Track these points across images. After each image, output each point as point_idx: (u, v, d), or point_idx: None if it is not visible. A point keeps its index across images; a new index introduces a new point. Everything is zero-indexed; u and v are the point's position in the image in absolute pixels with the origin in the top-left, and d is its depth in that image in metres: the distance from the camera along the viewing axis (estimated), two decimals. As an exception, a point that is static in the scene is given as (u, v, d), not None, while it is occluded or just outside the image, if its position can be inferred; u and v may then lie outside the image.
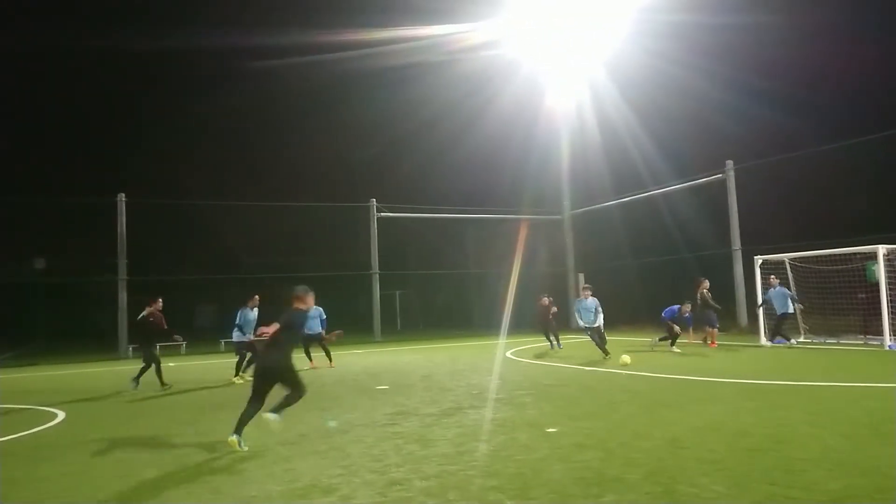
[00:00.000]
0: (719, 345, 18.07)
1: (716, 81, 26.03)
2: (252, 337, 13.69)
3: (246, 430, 7.28)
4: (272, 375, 7.62)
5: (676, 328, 17.29)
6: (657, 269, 26.91)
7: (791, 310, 17.58)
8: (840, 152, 21.20)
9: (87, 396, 12.77)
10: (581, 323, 15.65)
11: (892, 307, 16.03)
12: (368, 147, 35.52)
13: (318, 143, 36.57)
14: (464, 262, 34.67)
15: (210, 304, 36.36)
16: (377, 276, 28.95)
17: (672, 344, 17.11)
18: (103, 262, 26.07)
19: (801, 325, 18.68)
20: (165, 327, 13.44)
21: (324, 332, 16.28)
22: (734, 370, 12.67)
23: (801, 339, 18.09)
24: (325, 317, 16.75)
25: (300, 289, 8.04)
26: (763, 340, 18.17)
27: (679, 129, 28.10)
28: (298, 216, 32.02)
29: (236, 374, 14.14)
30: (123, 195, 25.52)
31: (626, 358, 14.01)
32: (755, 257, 19.25)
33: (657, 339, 18.13)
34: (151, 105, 36.30)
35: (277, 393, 7.58)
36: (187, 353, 23.89)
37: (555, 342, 18.74)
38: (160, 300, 13.53)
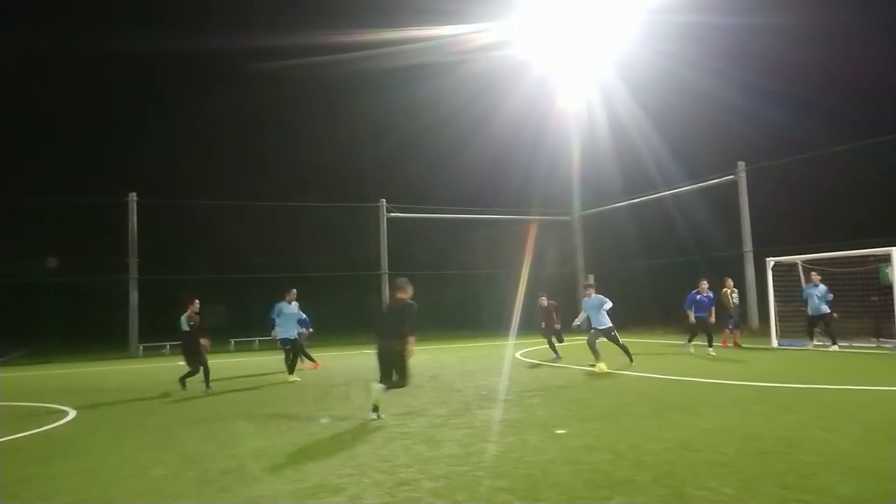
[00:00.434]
0: (731, 347, 18.00)
1: (727, 82, 25.92)
2: (306, 331, 13.57)
3: (253, 430, 7.30)
4: (390, 359, 8.92)
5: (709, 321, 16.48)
6: (667, 270, 26.81)
7: (827, 310, 16.68)
8: (852, 153, 21.06)
9: (98, 395, 12.85)
10: (578, 323, 14.82)
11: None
12: (378, 147, 35.57)
13: (327, 143, 36.67)
14: (473, 263, 34.66)
15: (219, 304, 36.50)
16: (386, 276, 28.97)
17: (709, 345, 16.31)
18: (114, 262, 26.21)
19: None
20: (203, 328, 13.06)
21: (307, 332, 16.21)
22: (745, 373, 12.60)
23: (814, 343, 17.96)
24: (303, 317, 16.23)
25: (401, 281, 9.18)
26: (774, 342, 18.06)
27: (690, 130, 28.01)
28: (308, 216, 32.12)
29: (290, 372, 13.57)
30: (135, 195, 25.69)
31: (602, 366, 13.10)
32: (767, 259, 19.13)
33: (688, 341, 17.05)
34: (162, 106, 36.50)
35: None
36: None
37: (556, 352, 16.43)
38: (197, 301, 12.95)
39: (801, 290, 17.63)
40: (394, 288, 9.26)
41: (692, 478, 5.48)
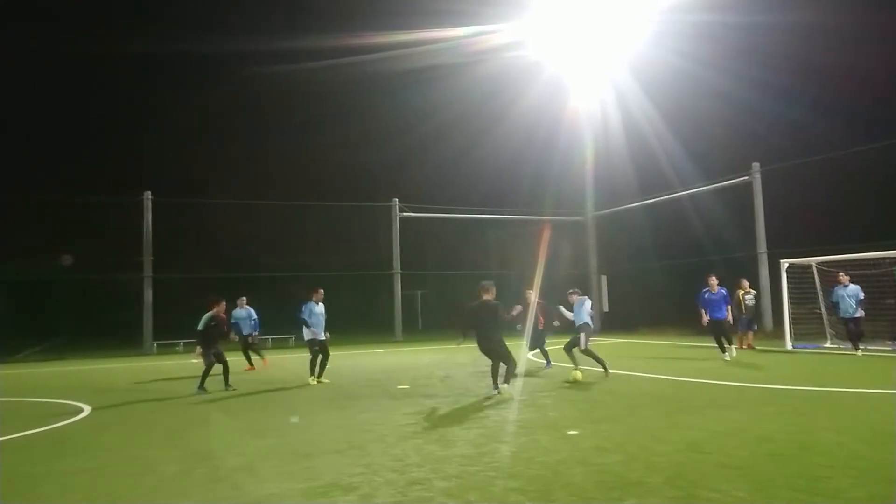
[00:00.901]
0: (745, 349, 17.90)
1: (742, 82, 25.77)
2: (326, 335, 13.12)
3: (264, 428, 7.33)
4: (494, 352, 10.55)
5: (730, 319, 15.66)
6: (681, 271, 26.66)
7: (860, 314, 15.62)
8: (869, 154, 20.85)
9: (112, 391, 12.96)
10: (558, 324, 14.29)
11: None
12: (391, 148, 35.64)
13: (340, 143, 36.80)
14: (485, 263, 34.65)
15: (232, 303, 36.66)
16: (399, 275, 29.03)
17: (726, 345, 15.39)
18: (129, 260, 26.41)
19: (828, 330, 18.41)
20: (226, 329, 13.09)
21: (255, 333, 16.61)
22: (757, 375, 12.53)
23: (828, 345, 17.83)
24: (255, 318, 16.62)
25: (487, 283, 10.71)
26: (789, 345, 17.94)
27: (705, 131, 27.85)
28: (320, 216, 32.22)
29: (311, 375, 13.08)
30: (150, 193, 25.89)
31: (577, 374, 12.05)
32: (781, 261, 19.00)
33: (722, 350, 15.48)
34: (177, 107, 36.70)
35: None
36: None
37: (547, 358, 14.72)
38: (224, 302, 12.99)
39: (832, 293, 16.48)
40: (481, 289, 10.67)
41: (704, 480, 5.47)
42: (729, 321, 15.86)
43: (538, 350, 14.82)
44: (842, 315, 15.88)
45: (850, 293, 15.67)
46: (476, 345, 10.68)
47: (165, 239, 26.46)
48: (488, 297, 10.58)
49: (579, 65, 30.36)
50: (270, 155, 38.50)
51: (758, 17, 24.99)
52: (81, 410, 10.33)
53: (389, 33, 29.69)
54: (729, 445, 6.63)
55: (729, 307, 15.79)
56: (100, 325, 29.93)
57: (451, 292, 36.39)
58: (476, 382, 12.47)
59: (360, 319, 29.93)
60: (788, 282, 18.55)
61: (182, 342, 25.11)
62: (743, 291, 18.57)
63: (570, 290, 13.48)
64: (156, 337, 25.28)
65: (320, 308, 13.25)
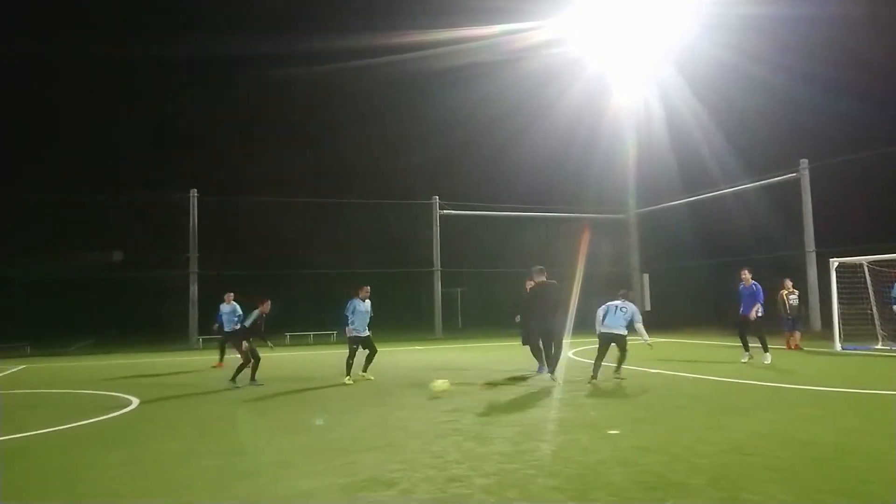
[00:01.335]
0: (792, 350, 17.50)
1: (790, 75, 25.17)
2: (368, 332, 12.89)
3: (304, 424, 7.39)
4: (550, 335, 11.19)
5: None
6: (726, 270, 26.16)
7: None
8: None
9: (159, 385, 13.26)
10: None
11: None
12: (431, 145, 35.73)
13: (381, 141, 37.01)
14: (525, 261, 34.50)
15: (274, 297, 37.24)
16: (439, 273, 29.11)
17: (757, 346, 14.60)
18: (175, 257, 27.00)
19: (879, 331, 17.88)
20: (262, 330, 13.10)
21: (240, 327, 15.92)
22: (803, 376, 12.23)
23: (879, 346, 17.32)
24: (240, 314, 16.26)
25: (538, 267, 11.32)
26: (837, 346, 17.47)
27: (751, 126, 27.29)
28: (362, 214, 32.48)
29: (347, 374, 12.68)
30: (195, 191, 26.44)
31: (440, 384, 10.81)
32: (831, 260, 18.49)
33: (764, 351, 14.51)
34: (223, 107, 37.38)
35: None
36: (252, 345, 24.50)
37: (546, 365, 12.38)
38: (269, 302, 13.09)
39: (893, 288, 15.87)
40: (535, 273, 11.24)
41: (747, 482, 5.36)
42: (751, 318, 14.60)
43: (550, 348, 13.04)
44: None
45: None
46: (534, 328, 11.14)
47: (211, 236, 27.00)
48: (543, 278, 11.07)
49: (622, 60, 30.01)
50: (313, 154, 38.91)
51: (807, 8, 24.35)
52: (129, 403, 10.61)
53: (429, 31, 29.78)
54: (771, 448, 6.49)
55: (758, 305, 14.61)
56: (147, 319, 30.66)
57: (490, 290, 36.35)
58: (515, 381, 12.44)
59: (400, 317, 30.09)
60: (838, 281, 18.05)
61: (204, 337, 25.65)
62: (786, 291, 18.14)
63: (621, 291, 12.45)
64: (201, 332, 25.82)
65: (365, 306, 13.03)
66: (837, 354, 16.70)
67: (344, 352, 13.23)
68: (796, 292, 18.61)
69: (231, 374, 12.61)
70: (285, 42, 32.62)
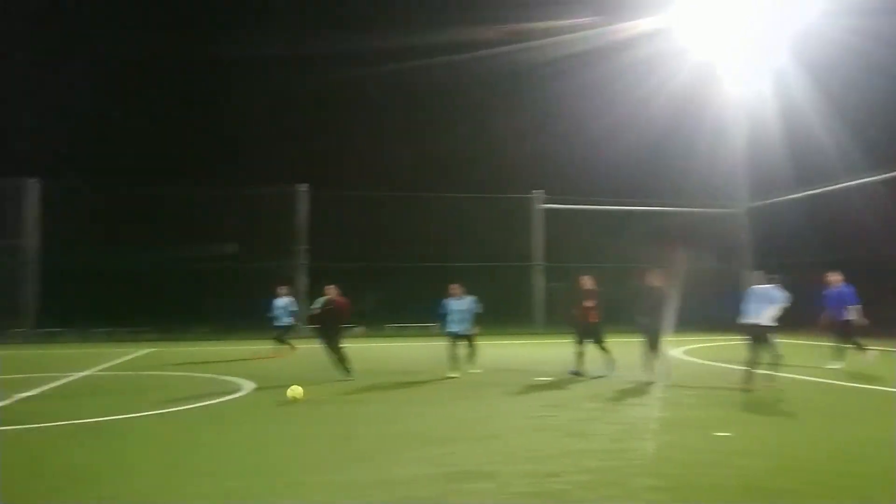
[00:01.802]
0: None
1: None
2: (467, 328, 12.61)
3: (405, 413, 7.53)
4: (659, 333, 11.58)
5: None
6: (846, 269, 24.61)
7: None
8: None
9: (270, 371, 13.85)
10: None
11: None
12: (531, 138, 35.45)
13: (480, 134, 37.04)
14: (628, 256, 33.70)
15: (374, 291, 38.19)
16: (540, 267, 28.92)
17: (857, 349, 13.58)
18: (285, 248, 28.11)
19: None
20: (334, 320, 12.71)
21: (293, 322, 16.88)
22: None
23: None
24: (294, 309, 16.82)
25: (655, 269, 11.93)
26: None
27: (878, 115, 25.42)
28: (462, 207, 32.64)
29: (450, 369, 12.49)
30: (306, 185, 27.49)
31: (294, 390, 9.68)
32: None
33: (860, 350, 13.64)
34: (330, 103, 38.50)
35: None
36: (357, 335, 25.28)
37: (607, 364, 12.68)
38: (332, 288, 12.81)
39: None
40: (649, 274, 11.96)
41: (861, 491, 5.05)
42: (841, 319, 13.70)
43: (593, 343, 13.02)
44: None
45: None
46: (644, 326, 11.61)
47: (319, 229, 27.98)
48: (658, 282, 11.74)
49: (733, 48, 28.69)
50: (414, 147, 39.48)
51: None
52: (244, 387, 11.17)
53: (530, 23, 29.53)
54: (888, 456, 6.08)
55: (851, 307, 13.70)
56: (259, 308, 32.05)
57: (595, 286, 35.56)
58: (617, 378, 12.20)
59: (501, 311, 30.05)
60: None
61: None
62: None
63: (769, 276, 11.12)
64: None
65: (461, 303, 12.80)
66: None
67: (443, 345, 13.27)
68: None
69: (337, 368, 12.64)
70: (389, 38, 33.21)
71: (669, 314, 11.57)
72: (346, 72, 36.45)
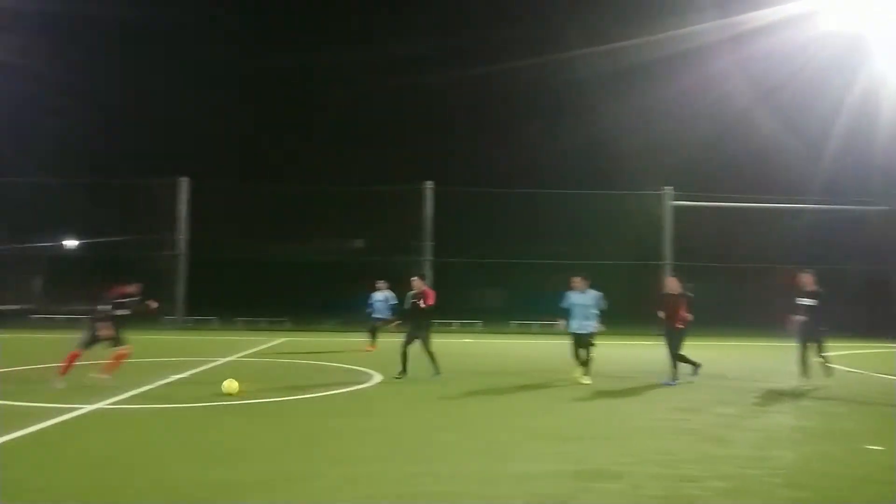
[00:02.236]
0: None
1: None
2: (590, 326, 11.40)
3: (533, 409, 7.49)
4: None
5: None
6: None
7: None
8: None
9: (397, 363, 14.19)
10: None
11: None
12: (661, 131, 34.31)
13: (608, 129, 36.26)
14: (768, 256, 31.82)
15: (496, 287, 38.37)
16: (670, 266, 27.90)
17: None
18: (411, 244, 28.72)
19: None
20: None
21: (391, 317, 16.34)
22: None
23: None
24: (393, 303, 16.47)
25: (805, 272, 11.27)
26: None
27: None
28: (588, 203, 32.06)
29: (577, 370, 11.51)
30: (430, 183, 27.96)
31: (229, 384, 9.25)
32: None
33: None
34: (454, 103, 39.12)
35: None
36: (481, 332, 25.56)
37: (690, 368, 11.77)
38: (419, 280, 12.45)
39: None
40: (801, 279, 11.24)
41: None
42: None
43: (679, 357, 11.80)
44: None
45: None
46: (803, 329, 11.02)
47: (444, 225, 28.40)
48: (811, 285, 11.10)
49: (884, 26, 26.25)
50: (541, 144, 39.25)
51: None
52: (374, 377, 11.52)
53: (665, 17, 28.57)
54: None
55: None
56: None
57: (726, 286, 34.08)
58: (755, 383, 11.59)
59: (624, 310, 29.23)
60: None
61: (454, 322, 26.98)
62: None
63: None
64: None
65: (585, 297, 11.47)
66: None
67: (567, 344, 12.05)
68: None
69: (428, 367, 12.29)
70: (512, 37, 33.25)
71: (825, 318, 10.93)
72: (475, 70, 36.79)
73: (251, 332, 25.02)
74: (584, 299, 11.44)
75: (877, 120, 27.68)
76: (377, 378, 11.45)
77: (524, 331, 27.04)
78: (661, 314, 11.86)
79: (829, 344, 11.37)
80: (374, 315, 17.21)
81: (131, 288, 10.43)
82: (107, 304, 10.05)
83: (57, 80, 33.56)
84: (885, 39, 26.63)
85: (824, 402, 9.52)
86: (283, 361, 14.49)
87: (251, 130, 40.05)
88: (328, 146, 40.05)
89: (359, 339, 17.63)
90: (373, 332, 17.02)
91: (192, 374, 11.55)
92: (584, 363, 11.42)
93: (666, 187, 28.25)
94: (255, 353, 16.31)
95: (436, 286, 27.16)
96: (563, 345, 14.43)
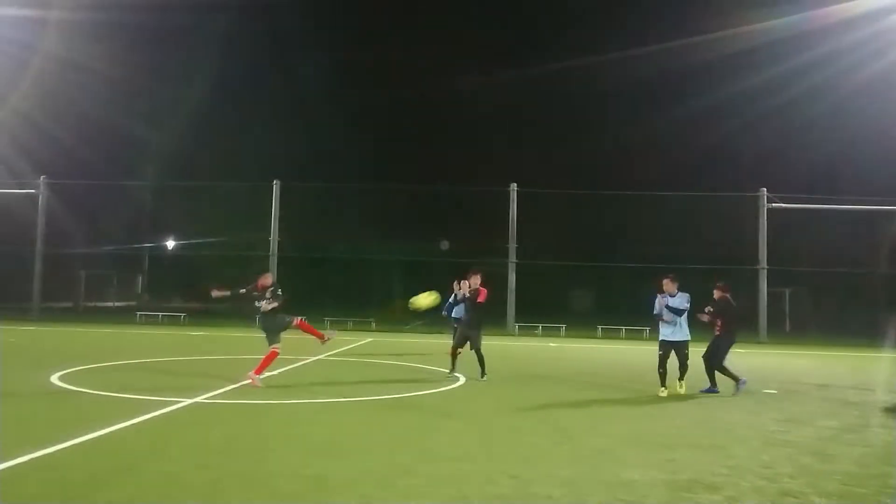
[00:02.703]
0: None
1: None
2: (680, 334, 10.50)
3: (627, 413, 7.34)
4: None
5: None
6: None
7: None
8: None
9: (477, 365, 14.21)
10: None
11: None
12: (758, 134, 33.04)
13: (700, 130, 35.23)
14: (872, 261, 30.10)
15: (585, 290, 37.87)
16: (765, 271, 26.83)
17: None
18: (496, 246, 28.74)
19: None
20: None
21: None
22: None
23: None
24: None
25: None
26: None
27: None
28: (681, 206, 31.23)
29: (661, 385, 10.47)
30: (516, 185, 27.87)
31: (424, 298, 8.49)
32: None
33: None
34: (540, 108, 38.98)
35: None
36: (566, 335, 25.26)
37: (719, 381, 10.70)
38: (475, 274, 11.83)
39: None
40: None
41: None
42: None
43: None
44: None
45: None
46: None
47: (529, 227, 28.28)
48: None
49: None
50: (631, 145, 38.56)
51: None
52: (460, 379, 11.56)
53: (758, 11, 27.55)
54: None
55: None
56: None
57: (826, 292, 32.46)
58: (860, 395, 10.97)
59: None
60: None
61: (540, 325, 26.73)
62: None
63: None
64: (517, 319, 27.16)
65: (676, 301, 10.41)
66: None
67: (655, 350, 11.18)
68: None
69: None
70: (601, 40, 32.82)
71: None
72: (566, 73, 36.55)
73: (338, 332, 25.57)
74: (673, 303, 10.45)
75: None
76: (462, 380, 11.49)
77: (612, 336, 26.55)
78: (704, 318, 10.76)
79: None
80: (453, 317, 17.22)
81: (267, 280, 10.57)
82: (262, 298, 10.23)
83: (159, 90, 35.64)
84: None
85: (939, 418, 8.92)
86: (371, 361, 14.77)
87: (340, 136, 41.26)
88: (417, 147, 40.71)
89: (443, 342, 17.72)
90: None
91: (281, 372, 11.92)
92: (682, 371, 10.58)
93: (761, 189, 27.17)
94: (342, 352, 16.70)
95: (519, 289, 27.16)
96: (649, 351, 14.08)
